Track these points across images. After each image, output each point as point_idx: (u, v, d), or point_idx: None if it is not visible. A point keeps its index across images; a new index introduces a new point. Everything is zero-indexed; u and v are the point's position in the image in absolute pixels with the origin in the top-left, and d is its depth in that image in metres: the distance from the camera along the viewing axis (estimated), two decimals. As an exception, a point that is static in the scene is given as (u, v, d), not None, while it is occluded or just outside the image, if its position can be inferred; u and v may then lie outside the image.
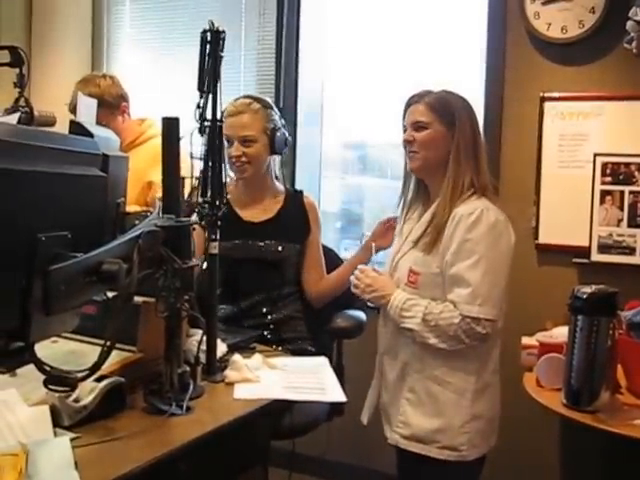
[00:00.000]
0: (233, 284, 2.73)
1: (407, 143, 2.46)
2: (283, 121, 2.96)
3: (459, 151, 2.39)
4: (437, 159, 2.42)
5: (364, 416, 2.64)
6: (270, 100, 2.98)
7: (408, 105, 2.50)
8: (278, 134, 2.87)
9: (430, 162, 2.43)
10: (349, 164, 4.62)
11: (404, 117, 2.51)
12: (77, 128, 1.68)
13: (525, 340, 2.80)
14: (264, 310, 2.87)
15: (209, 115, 2.18)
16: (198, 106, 2.17)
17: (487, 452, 2.46)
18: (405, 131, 2.49)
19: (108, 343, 1.59)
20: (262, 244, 2.89)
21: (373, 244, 2.80)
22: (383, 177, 4.49)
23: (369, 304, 2.57)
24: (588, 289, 2.34)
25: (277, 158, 3.01)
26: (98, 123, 3.27)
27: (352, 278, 2.56)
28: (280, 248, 2.90)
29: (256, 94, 3.05)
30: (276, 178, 3.04)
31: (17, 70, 2.44)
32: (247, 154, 2.81)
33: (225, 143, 2.42)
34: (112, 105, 3.47)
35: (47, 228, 1.42)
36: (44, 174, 1.44)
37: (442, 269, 2.35)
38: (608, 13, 3.15)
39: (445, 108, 2.41)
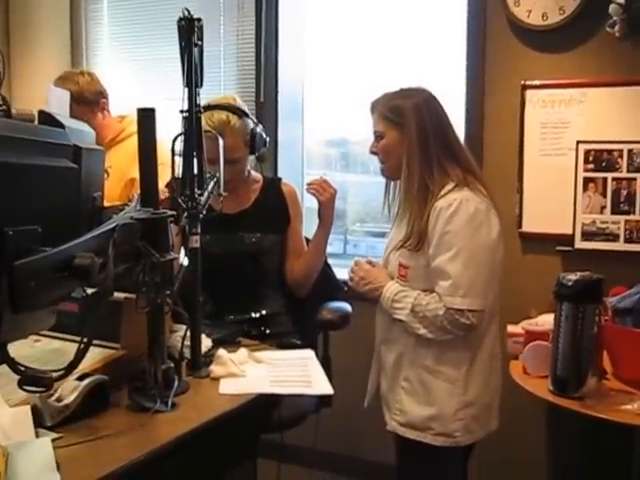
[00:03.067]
0: (211, 279, 2.66)
1: (373, 154, 2.52)
2: (255, 119, 2.90)
3: (409, 153, 2.38)
4: (401, 163, 2.41)
5: (366, 401, 2.66)
6: (237, 99, 2.88)
7: (371, 113, 2.53)
8: (257, 138, 2.81)
9: (396, 167, 2.45)
10: (332, 160, 4.62)
11: None
12: (46, 118, 1.61)
13: (510, 328, 2.80)
14: (245, 306, 2.83)
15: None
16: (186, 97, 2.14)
17: (484, 435, 2.48)
18: None
19: (85, 340, 1.53)
20: (238, 236, 2.84)
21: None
22: (366, 173, 4.49)
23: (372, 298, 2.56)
24: (573, 276, 2.35)
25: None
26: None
27: (348, 271, 2.60)
28: (256, 239, 2.85)
29: (227, 96, 2.92)
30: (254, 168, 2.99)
31: (-6, 68, 2.38)
32: (233, 171, 2.73)
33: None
34: (91, 102, 3.42)
35: (15, 222, 1.35)
36: (10, 165, 1.37)
37: (429, 262, 2.35)
38: (589, -2, 3.12)
39: (393, 112, 2.43)
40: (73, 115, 3.15)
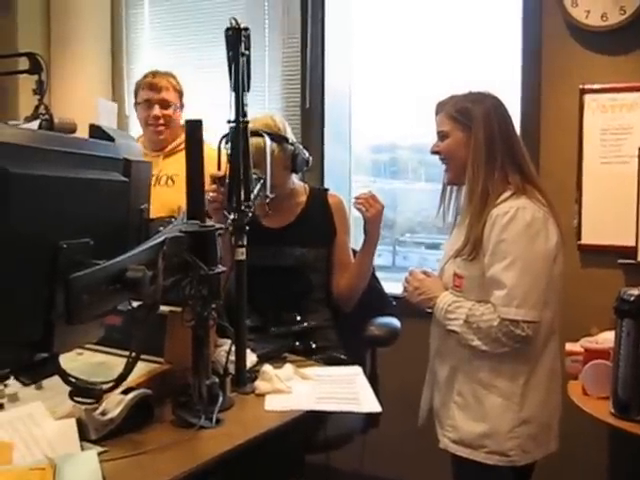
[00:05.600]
0: (257, 293, 2.71)
1: (434, 154, 2.57)
2: (293, 139, 2.93)
3: (475, 156, 2.44)
4: (465, 166, 2.47)
5: (420, 417, 2.68)
6: (276, 118, 2.92)
7: (436, 114, 2.58)
8: (298, 160, 2.88)
9: (459, 170, 2.50)
10: (380, 167, 4.64)
11: None
12: (97, 132, 1.71)
13: (569, 346, 2.80)
14: (291, 319, 2.88)
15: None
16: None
17: (542, 457, 2.48)
18: None
19: (133, 354, 1.62)
20: (283, 250, 2.91)
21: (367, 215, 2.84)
22: (417, 180, 4.52)
23: (427, 309, 2.60)
24: (635, 291, 2.36)
25: None
26: (167, 103, 3.57)
27: (402, 282, 2.64)
28: (300, 253, 2.92)
29: (265, 115, 2.93)
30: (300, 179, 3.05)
31: (36, 77, 2.48)
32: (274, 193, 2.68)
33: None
34: (181, 97, 3.65)
35: (69, 235, 1.45)
36: (64, 179, 1.47)
37: (484, 271, 2.39)
38: (651, -4, 3.12)
39: (462, 114, 2.48)
40: (169, 97, 3.54)
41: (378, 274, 3.22)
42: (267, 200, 2.44)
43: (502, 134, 2.46)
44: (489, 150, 2.43)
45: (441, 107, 2.56)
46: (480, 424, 2.42)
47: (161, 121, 3.54)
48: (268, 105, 4.15)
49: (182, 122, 3.61)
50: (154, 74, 3.60)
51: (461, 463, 2.48)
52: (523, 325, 2.30)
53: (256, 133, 2.66)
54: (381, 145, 4.60)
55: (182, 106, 3.63)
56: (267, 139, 2.68)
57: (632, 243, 3.22)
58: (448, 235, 2.69)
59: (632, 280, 3.11)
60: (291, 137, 2.92)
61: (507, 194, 2.40)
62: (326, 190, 3.15)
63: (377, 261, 3.09)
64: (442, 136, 2.53)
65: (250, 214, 2.24)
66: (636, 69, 3.23)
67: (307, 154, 2.95)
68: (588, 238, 3.35)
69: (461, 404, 2.47)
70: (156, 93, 3.53)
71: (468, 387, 2.45)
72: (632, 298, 2.33)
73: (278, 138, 2.83)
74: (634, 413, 2.32)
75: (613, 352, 2.41)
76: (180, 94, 3.61)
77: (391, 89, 4.10)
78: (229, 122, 2.24)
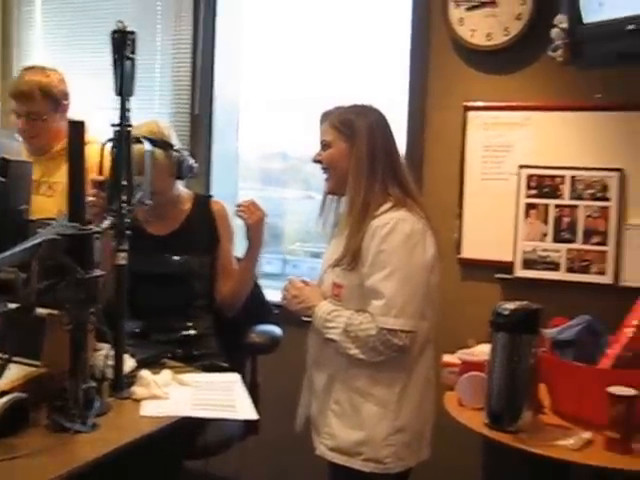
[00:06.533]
0: (140, 300, 2.75)
1: (316, 162, 2.62)
2: (179, 144, 2.98)
3: (357, 168, 2.50)
4: (345, 177, 2.53)
5: (297, 424, 2.71)
6: (159, 124, 2.96)
7: (320, 123, 2.64)
8: (183, 167, 2.93)
9: (340, 180, 2.56)
10: (270, 175, 4.66)
11: None
12: (-29, 131, 1.70)
13: (446, 358, 2.87)
14: (172, 326, 2.91)
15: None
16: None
17: (415, 464, 2.54)
18: None
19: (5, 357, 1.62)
20: (166, 258, 2.94)
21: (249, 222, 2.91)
22: (307, 189, 4.55)
23: (304, 317, 2.63)
24: (510, 305, 2.43)
25: None
26: (35, 114, 3.29)
27: (282, 290, 2.67)
28: (184, 261, 2.95)
29: (149, 122, 2.93)
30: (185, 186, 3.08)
31: None
32: (157, 200, 2.68)
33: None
34: (56, 101, 3.41)
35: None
36: None
37: (363, 281, 2.44)
38: (534, 20, 3.24)
39: (345, 125, 2.55)
40: (35, 108, 3.27)
41: (267, 282, 3.28)
42: (146, 208, 2.45)
43: (384, 148, 2.53)
44: (371, 163, 2.50)
45: (325, 117, 2.62)
46: (357, 432, 2.47)
47: (30, 133, 3.38)
48: (158, 110, 4.14)
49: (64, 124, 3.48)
50: (21, 76, 3.40)
51: (337, 470, 2.53)
52: (401, 334, 2.37)
53: (138, 140, 2.63)
54: (271, 154, 4.63)
55: (62, 108, 3.44)
56: (147, 145, 2.67)
57: (509, 258, 3.34)
58: (327, 244, 2.74)
59: (508, 294, 3.21)
60: (177, 143, 2.95)
61: (387, 206, 2.47)
62: (209, 197, 3.20)
63: (267, 269, 3.13)
64: (324, 145, 2.59)
65: (129, 219, 2.26)
66: (518, 89, 3.35)
67: (192, 161, 2.99)
68: (468, 252, 3.44)
69: (338, 412, 2.51)
70: (22, 104, 3.33)
71: (345, 395, 2.50)
72: (507, 312, 2.40)
73: (163, 144, 2.86)
74: (506, 424, 2.39)
75: (488, 364, 2.47)
76: (54, 98, 3.38)
77: (282, 98, 4.15)
78: (113, 126, 2.26)
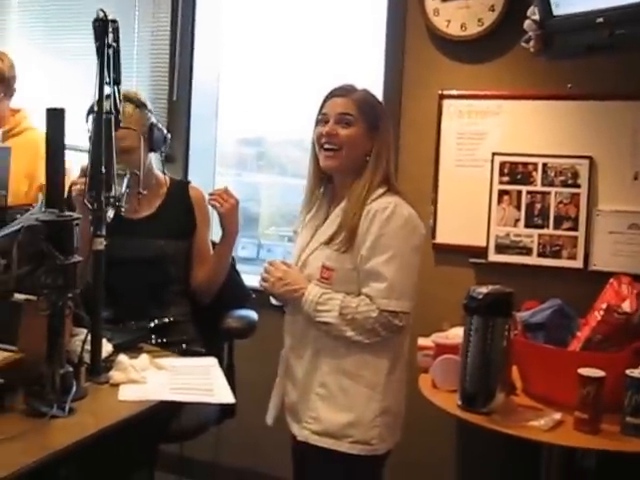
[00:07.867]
0: (114, 284, 2.67)
1: (328, 136, 2.50)
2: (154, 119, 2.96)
3: (379, 154, 2.50)
4: (356, 158, 2.50)
5: (269, 417, 2.67)
6: (140, 94, 2.96)
7: (330, 96, 2.56)
8: (155, 131, 2.90)
9: (349, 161, 2.50)
10: (246, 160, 4.66)
11: (321, 109, 2.57)
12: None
13: (421, 341, 2.90)
14: (149, 311, 2.88)
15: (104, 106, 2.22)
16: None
17: (393, 447, 2.53)
18: (319, 124, 2.55)
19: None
20: (142, 242, 2.90)
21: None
22: (282, 175, 4.55)
23: (274, 301, 2.60)
24: (483, 289, 2.46)
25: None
26: None
27: (261, 272, 2.60)
28: (160, 245, 2.92)
29: (130, 90, 2.92)
30: (162, 172, 3.05)
31: None
32: (127, 162, 2.68)
33: None
34: (6, 85, 3.41)
35: None
36: None
37: (356, 265, 2.42)
38: (507, 12, 3.27)
39: (371, 109, 2.52)
40: None
41: (242, 267, 3.25)
42: (140, 197, 2.43)
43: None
44: (391, 151, 2.54)
45: (345, 92, 2.53)
46: (346, 414, 2.43)
47: None
48: (136, 96, 4.10)
49: (10, 107, 3.52)
50: None
51: (322, 455, 2.48)
52: (402, 316, 2.37)
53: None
54: (249, 139, 4.62)
55: (11, 92, 3.45)
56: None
57: (483, 244, 3.36)
58: (301, 227, 2.67)
59: (482, 279, 3.23)
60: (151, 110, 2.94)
61: (381, 190, 2.46)
62: (187, 183, 3.17)
63: (241, 254, 3.12)
64: (346, 122, 2.48)
65: (112, 207, 2.24)
66: (491, 78, 3.37)
67: (166, 132, 2.97)
68: (442, 237, 3.46)
69: (324, 395, 2.47)
70: None
71: (332, 378, 2.46)
72: (480, 296, 2.43)
73: (138, 102, 2.86)
74: (479, 405, 2.42)
75: (462, 347, 2.49)
76: (6, 83, 3.39)
77: (260, 84, 4.14)
78: (92, 111, 2.24)
